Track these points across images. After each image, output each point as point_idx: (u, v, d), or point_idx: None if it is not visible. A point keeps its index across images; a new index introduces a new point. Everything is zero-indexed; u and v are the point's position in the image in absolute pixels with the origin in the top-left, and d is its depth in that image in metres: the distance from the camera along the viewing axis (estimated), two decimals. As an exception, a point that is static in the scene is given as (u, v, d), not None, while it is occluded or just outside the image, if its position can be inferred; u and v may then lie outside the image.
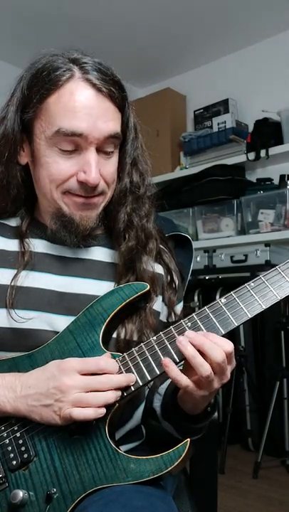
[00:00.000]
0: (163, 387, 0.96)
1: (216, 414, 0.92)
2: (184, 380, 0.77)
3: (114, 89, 0.88)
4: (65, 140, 0.86)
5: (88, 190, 0.89)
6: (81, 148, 0.87)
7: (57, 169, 0.88)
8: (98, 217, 0.94)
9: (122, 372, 0.81)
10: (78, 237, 0.93)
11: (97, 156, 0.88)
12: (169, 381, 0.95)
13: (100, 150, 0.89)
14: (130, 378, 0.80)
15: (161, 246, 1.02)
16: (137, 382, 0.80)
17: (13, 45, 3.18)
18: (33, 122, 0.89)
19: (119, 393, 0.78)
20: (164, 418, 0.93)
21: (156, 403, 0.96)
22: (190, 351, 0.76)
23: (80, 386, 0.77)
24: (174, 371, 0.77)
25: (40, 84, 0.87)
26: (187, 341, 0.77)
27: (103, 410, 0.77)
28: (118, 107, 0.90)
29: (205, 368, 0.75)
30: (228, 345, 0.77)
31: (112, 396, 0.77)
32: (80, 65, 0.87)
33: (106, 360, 0.80)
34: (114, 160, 0.93)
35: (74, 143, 0.86)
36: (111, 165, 0.92)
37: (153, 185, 1.03)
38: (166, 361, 0.78)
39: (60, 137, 0.86)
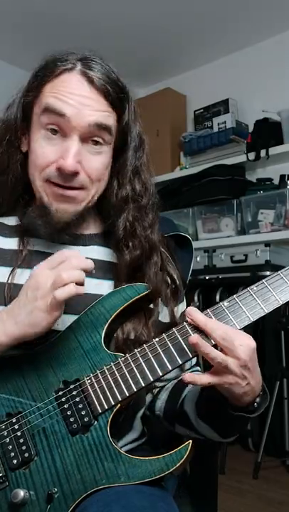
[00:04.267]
0: (192, 391, 0.94)
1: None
2: (216, 353, 0.76)
3: (110, 88, 0.88)
4: (50, 119, 0.88)
5: (65, 177, 0.88)
6: (65, 134, 0.88)
7: (41, 153, 0.90)
8: (78, 214, 0.93)
9: (121, 367, 0.82)
10: (51, 228, 0.92)
11: (81, 147, 0.88)
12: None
13: (86, 142, 0.89)
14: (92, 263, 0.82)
15: (163, 251, 1.01)
16: (139, 383, 0.80)
17: (13, 45, 3.18)
18: (31, 108, 0.92)
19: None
20: (202, 417, 0.90)
21: (188, 405, 0.94)
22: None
23: (52, 276, 0.79)
24: (205, 346, 0.77)
25: (43, 72, 0.90)
26: (200, 338, 0.78)
27: (83, 288, 0.79)
28: (113, 107, 0.90)
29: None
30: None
31: (83, 274, 0.79)
32: (86, 62, 0.89)
33: (68, 250, 0.83)
34: (102, 158, 0.92)
35: (58, 125, 0.88)
36: (97, 162, 0.91)
37: (156, 196, 1.01)
38: (195, 338, 0.77)
39: (46, 115, 0.88)
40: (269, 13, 3.04)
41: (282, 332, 2.73)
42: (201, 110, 3.46)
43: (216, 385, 0.79)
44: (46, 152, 0.89)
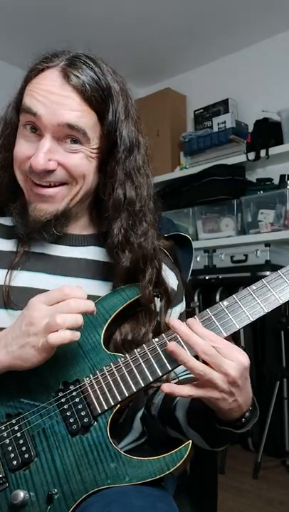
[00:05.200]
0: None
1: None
2: (194, 363, 0.75)
3: (88, 86, 0.86)
4: (26, 118, 0.87)
5: (38, 175, 0.87)
6: (41, 133, 0.87)
7: (19, 149, 0.90)
8: (60, 213, 0.91)
9: (120, 367, 0.81)
10: (28, 227, 0.91)
11: (56, 145, 0.87)
12: None
13: (62, 140, 0.87)
14: (93, 304, 0.79)
15: (163, 255, 0.99)
16: (138, 383, 0.80)
17: (13, 45, 3.17)
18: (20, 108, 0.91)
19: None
20: (191, 426, 0.90)
21: (179, 411, 0.93)
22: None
23: (48, 314, 0.76)
24: (183, 355, 0.76)
25: (30, 71, 0.89)
26: (178, 346, 0.77)
27: (78, 333, 0.77)
28: (91, 106, 0.87)
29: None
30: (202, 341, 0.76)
31: (80, 318, 0.77)
32: (72, 60, 0.87)
33: (70, 287, 0.79)
34: (81, 155, 0.89)
35: (33, 123, 0.87)
36: (75, 158, 0.89)
37: (154, 198, 0.98)
38: (173, 345, 0.76)
39: (23, 114, 0.88)
40: (269, 13, 3.03)
41: (282, 332, 2.73)
42: (201, 110, 3.46)
43: (200, 398, 0.78)
44: (22, 148, 0.89)
